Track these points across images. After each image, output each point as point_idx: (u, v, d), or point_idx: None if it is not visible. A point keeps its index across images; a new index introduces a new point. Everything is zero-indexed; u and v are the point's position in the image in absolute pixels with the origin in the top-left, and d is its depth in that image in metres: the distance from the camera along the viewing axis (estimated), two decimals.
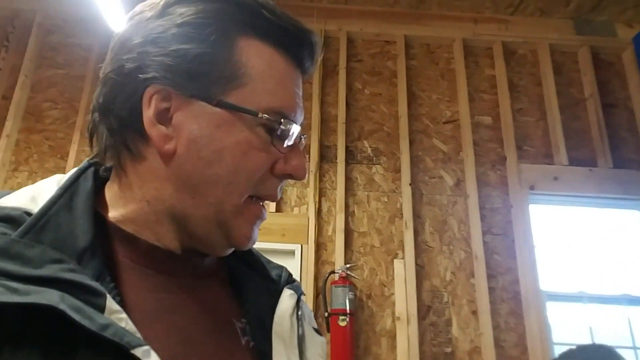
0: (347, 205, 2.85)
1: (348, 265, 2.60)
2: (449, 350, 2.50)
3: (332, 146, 3.02)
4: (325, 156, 2.99)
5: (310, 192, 2.85)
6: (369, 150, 3.04)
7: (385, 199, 2.90)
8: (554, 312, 2.68)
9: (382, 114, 3.14)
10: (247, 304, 0.52)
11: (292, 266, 2.65)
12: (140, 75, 0.43)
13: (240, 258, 0.56)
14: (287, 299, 0.54)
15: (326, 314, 2.46)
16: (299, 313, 0.55)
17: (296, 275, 2.57)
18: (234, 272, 0.55)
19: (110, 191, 0.48)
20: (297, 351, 0.51)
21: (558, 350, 2.59)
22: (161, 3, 0.45)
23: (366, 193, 2.91)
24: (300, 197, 2.88)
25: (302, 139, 0.50)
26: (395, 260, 2.70)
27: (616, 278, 2.81)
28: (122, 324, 0.35)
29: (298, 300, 0.56)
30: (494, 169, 3.01)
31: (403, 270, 2.64)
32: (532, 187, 2.91)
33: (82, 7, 2.83)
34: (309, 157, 2.95)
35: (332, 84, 3.19)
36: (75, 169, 0.46)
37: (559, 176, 2.93)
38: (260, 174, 0.46)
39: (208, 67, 0.44)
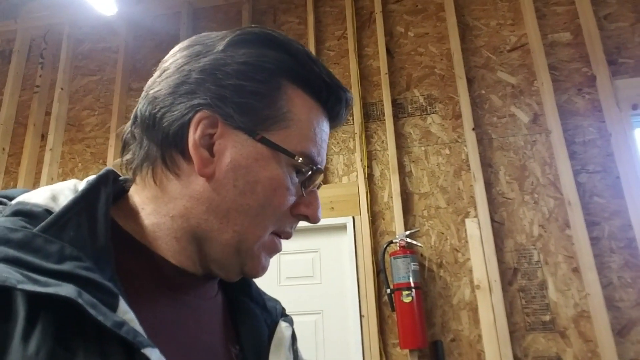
0: (402, 166, 2.57)
1: (408, 232, 2.33)
2: (547, 318, 2.13)
3: (376, 102, 2.74)
4: (370, 114, 2.73)
5: (358, 157, 2.61)
6: (421, 99, 2.71)
7: (447, 151, 2.56)
8: None
9: (431, 56, 2.79)
10: (243, 330, 0.55)
11: (345, 242, 2.45)
12: (194, 100, 0.47)
13: (239, 285, 0.58)
14: (284, 330, 0.58)
15: (388, 291, 2.22)
16: (295, 347, 0.59)
17: (350, 251, 2.39)
18: (232, 298, 0.58)
19: (131, 202, 0.50)
20: None
21: None
22: (227, 39, 0.50)
23: (423, 148, 2.60)
24: (348, 164, 2.65)
25: (321, 185, 0.55)
26: (466, 220, 2.37)
27: None
28: (132, 325, 0.37)
29: (293, 333, 0.60)
30: (580, 94, 2.52)
31: (478, 230, 2.31)
32: (634, 107, 2.39)
33: (107, 10, 2.85)
34: (352, 118, 2.71)
35: (370, 34, 2.90)
36: (96, 175, 0.48)
37: None
38: (283, 211, 0.49)
39: (258, 104, 0.48)
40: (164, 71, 0.51)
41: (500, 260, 2.25)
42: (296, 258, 2.51)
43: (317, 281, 2.45)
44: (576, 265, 2.17)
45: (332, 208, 2.50)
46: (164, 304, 0.47)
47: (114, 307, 0.36)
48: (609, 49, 2.55)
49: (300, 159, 0.49)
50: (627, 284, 2.13)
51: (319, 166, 0.51)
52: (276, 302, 0.63)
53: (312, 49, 2.83)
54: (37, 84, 3.19)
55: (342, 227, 2.46)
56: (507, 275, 2.22)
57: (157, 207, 0.49)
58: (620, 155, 2.33)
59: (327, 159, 2.87)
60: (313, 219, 0.52)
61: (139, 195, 0.50)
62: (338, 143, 2.71)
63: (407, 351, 2.17)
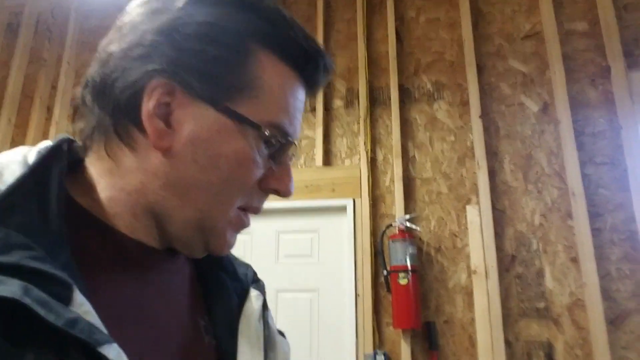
0: (405, 151, 2.58)
1: (408, 217, 2.34)
2: (541, 305, 2.13)
3: (383, 87, 2.75)
4: (377, 99, 2.73)
5: (361, 141, 2.63)
6: (429, 85, 2.71)
7: (452, 138, 2.56)
8: None
9: (442, 42, 2.78)
10: (212, 301, 0.53)
11: (344, 223, 2.48)
12: (148, 65, 0.43)
13: (208, 255, 0.55)
14: (254, 300, 0.56)
15: (385, 272, 2.25)
16: (266, 315, 0.56)
17: (349, 233, 2.42)
18: (201, 268, 0.55)
19: (87, 174, 0.46)
20: (262, 353, 0.52)
21: None
22: None
23: (428, 134, 2.60)
24: (351, 147, 2.67)
25: (293, 157, 0.51)
26: (467, 207, 2.37)
27: None
28: (89, 318, 0.34)
29: (264, 302, 0.57)
30: (593, 84, 2.49)
31: (478, 217, 2.31)
32: None
33: None
34: (358, 103, 2.72)
35: (380, 19, 2.90)
36: (47, 144, 0.43)
37: None
38: (251, 186, 0.47)
39: (222, 71, 0.44)
40: (119, 29, 0.46)
41: (499, 248, 2.25)
42: (295, 237, 2.55)
43: (314, 260, 2.49)
44: (575, 255, 2.16)
45: (333, 190, 2.53)
46: (126, 284, 0.44)
47: (67, 300, 0.33)
48: (627, 40, 2.50)
49: (268, 131, 0.45)
50: (625, 275, 2.11)
51: (290, 138, 0.48)
52: (247, 267, 0.61)
53: (320, 31, 2.84)
54: (44, 57, 3.27)
55: (342, 209, 2.49)
56: (505, 262, 2.23)
57: (113, 181, 0.45)
58: (630, 148, 2.30)
59: (330, 142, 2.92)
60: (284, 193, 0.49)
61: (94, 167, 0.46)
62: (342, 126, 2.73)
63: (400, 331, 2.20)
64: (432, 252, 2.34)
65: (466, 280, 2.25)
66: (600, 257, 2.14)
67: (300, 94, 0.49)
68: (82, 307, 0.34)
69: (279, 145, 0.47)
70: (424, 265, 2.31)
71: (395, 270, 2.18)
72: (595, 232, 2.18)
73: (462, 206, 2.39)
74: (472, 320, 2.15)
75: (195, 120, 0.44)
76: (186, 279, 0.52)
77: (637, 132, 2.32)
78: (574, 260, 2.17)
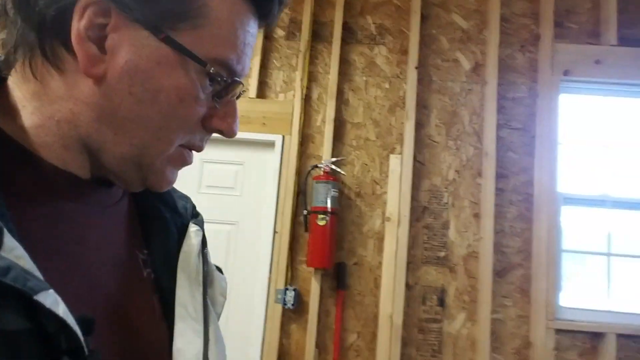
0: (340, 92, 2.57)
1: (334, 160, 2.40)
2: (442, 254, 2.37)
3: (327, 22, 2.65)
4: (319, 34, 2.65)
5: (298, 76, 2.57)
6: (372, 28, 2.66)
7: (387, 86, 2.59)
8: (568, 216, 2.46)
9: None
10: (151, 235, 0.52)
11: (271, 159, 2.48)
12: None
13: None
14: (193, 235, 0.55)
15: (305, 212, 2.34)
16: (205, 251, 0.56)
17: (275, 169, 2.44)
18: (139, 200, 0.54)
19: (11, 97, 0.41)
20: (201, 288, 0.52)
21: (567, 258, 2.42)
22: None
23: (364, 78, 2.61)
24: (287, 81, 2.61)
25: (241, 94, 0.49)
26: (391, 156, 2.47)
27: None
28: (22, 264, 0.31)
29: (203, 237, 0.57)
30: (522, 50, 2.60)
31: (399, 167, 2.43)
32: (566, 73, 2.52)
33: None
34: (299, 35, 2.62)
35: None
36: None
37: (602, 59, 2.50)
38: (192, 124, 0.45)
39: None
40: None
41: (414, 198, 2.41)
42: (220, 168, 2.52)
43: (237, 193, 2.50)
44: (478, 212, 2.39)
45: (264, 124, 2.50)
46: (58, 219, 0.41)
47: None
48: (560, 10, 2.60)
49: (214, 68, 0.42)
50: (516, 233, 2.39)
51: (236, 78, 0.44)
52: (187, 200, 0.59)
53: None
54: None
55: (271, 145, 2.48)
56: (417, 212, 2.40)
57: (40, 107, 0.41)
58: (541, 117, 2.49)
59: (267, 73, 2.83)
60: (228, 133, 0.47)
61: (19, 89, 0.41)
62: (281, 58, 2.63)
63: (312, 269, 2.34)
64: (352, 196, 2.45)
65: (380, 226, 2.41)
66: (499, 215, 2.39)
67: (252, 27, 0.45)
68: (14, 251, 0.31)
69: (224, 84, 0.44)
70: (343, 209, 2.42)
71: (316, 211, 2.27)
72: (499, 191, 2.41)
73: (387, 154, 2.49)
74: (380, 264, 2.35)
75: (133, 47, 0.40)
76: (124, 211, 0.50)
77: (551, 102, 2.51)
78: (476, 215, 2.40)
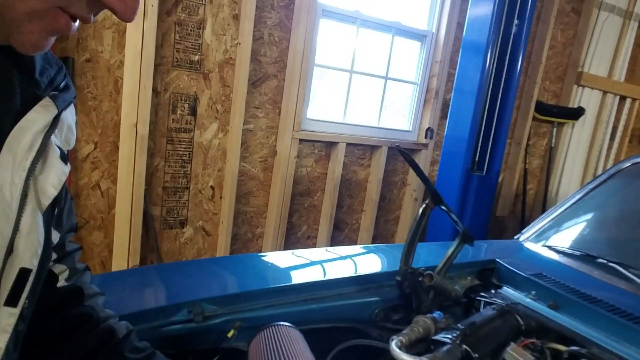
0: None
1: None
2: (196, 58, 2.13)
3: None
4: None
5: None
6: None
7: None
8: (322, 31, 2.50)
9: None
10: None
11: None
12: None
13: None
14: (40, 110, 0.47)
15: None
16: (52, 133, 0.48)
17: None
18: None
19: None
20: (25, 173, 0.44)
21: (317, 74, 2.52)
22: None
23: None
24: None
25: None
26: None
27: (395, 6, 2.73)
28: None
29: (57, 116, 0.48)
30: None
31: None
32: None
33: None
34: None
35: None
36: None
37: None
38: None
39: None
40: None
41: None
42: None
43: None
44: (238, 13, 2.16)
45: None
46: None
47: None
48: None
49: None
50: (274, 42, 2.31)
51: None
52: (57, 69, 0.51)
53: None
54: None
55: None
56: (168, 4, 2.01)
57: None
58: None
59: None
60: (122, 14, 0.43)
61: None
62: None
63: None
64: None
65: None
66: (259, 19, 2.22)
67: None
68: None
69: None
70: None
71: None
72: None
73: None
74: (121, 63, 1.95)
75: None
76: None
77: None
78: (236, 17, 2.17)
